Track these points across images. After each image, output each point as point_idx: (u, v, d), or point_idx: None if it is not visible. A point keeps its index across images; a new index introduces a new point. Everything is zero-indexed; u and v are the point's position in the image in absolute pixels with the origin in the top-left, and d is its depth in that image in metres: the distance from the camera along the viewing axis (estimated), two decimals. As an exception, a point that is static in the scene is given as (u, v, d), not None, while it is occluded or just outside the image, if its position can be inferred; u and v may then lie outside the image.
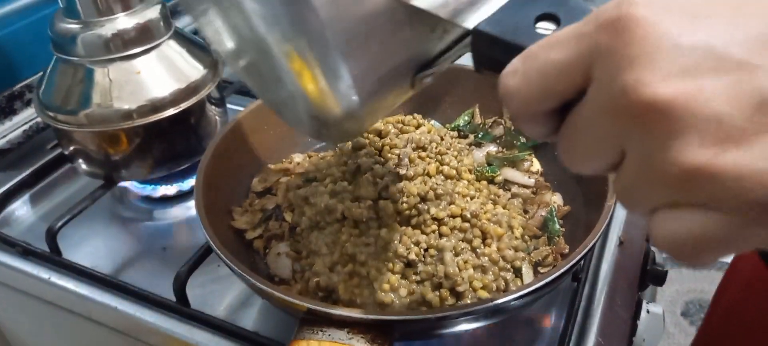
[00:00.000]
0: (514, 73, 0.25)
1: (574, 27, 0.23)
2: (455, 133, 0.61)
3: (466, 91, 0.66)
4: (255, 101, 0.62)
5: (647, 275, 0.61)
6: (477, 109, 0.65)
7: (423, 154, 0.53)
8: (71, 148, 0.63)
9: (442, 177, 0.51)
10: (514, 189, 0.57)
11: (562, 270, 0.42)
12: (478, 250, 0.47)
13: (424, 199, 0.49)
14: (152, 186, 0.67)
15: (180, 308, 0.54)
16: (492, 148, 0.61)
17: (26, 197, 0.70)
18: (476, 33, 0.28)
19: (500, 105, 0.65)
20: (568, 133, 0.24)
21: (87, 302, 0.58)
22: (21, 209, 0.69)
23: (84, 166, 0.64)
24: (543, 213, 0.54)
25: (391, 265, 0.46)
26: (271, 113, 0.61)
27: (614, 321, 0.54)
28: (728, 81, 0.19)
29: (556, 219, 0.53)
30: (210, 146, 0.56)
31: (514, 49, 0.26)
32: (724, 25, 0.20)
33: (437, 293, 0.45)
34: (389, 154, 0.53)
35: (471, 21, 0.29)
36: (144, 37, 0.60)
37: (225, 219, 0.56)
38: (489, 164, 0.59)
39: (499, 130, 0.63)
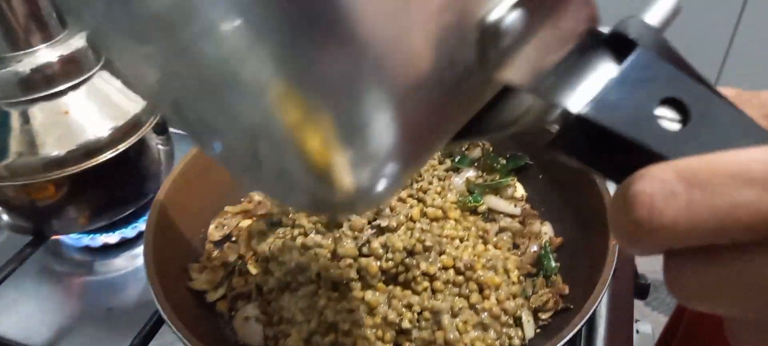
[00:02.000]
0: (673, 197, 0.17)
1: None
2: (436, 163, 0.54)
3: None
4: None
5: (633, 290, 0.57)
6: None
7: (403, 194, 0.47)
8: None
9: (427, 220, 0.45)
10: (501, 221, 0.51)
11: (573, 332, 0.37)
12: (477, 306, 0.41)
13: (411, 253, 0.42)
14: (91, 236, 0.57)
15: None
16: (471, 174, 0.56)
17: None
18: (580, 120, 0.20)
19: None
20: (706, 272, 0.18)
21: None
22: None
23: (7, 220, 0.54)
24: (535, 248, 0.49)
25: (380, 332, 0.40)
26: None
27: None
28: None
29: (550, 256, 0.48)
30: (157, 197, 0.48)
31: (630, 147, 0.19)
32: None
33: (437, 365, 0.39)
34: None
35: (573, 102, 0.20)
36: (70, 70, 0.50)
37: (181, 279, 0.48)
38: (470, 192, 0.53)
39: (476, 153, 0.57)
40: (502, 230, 0.50)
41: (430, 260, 0.42)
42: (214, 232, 0.52)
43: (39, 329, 0.53)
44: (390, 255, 0.42)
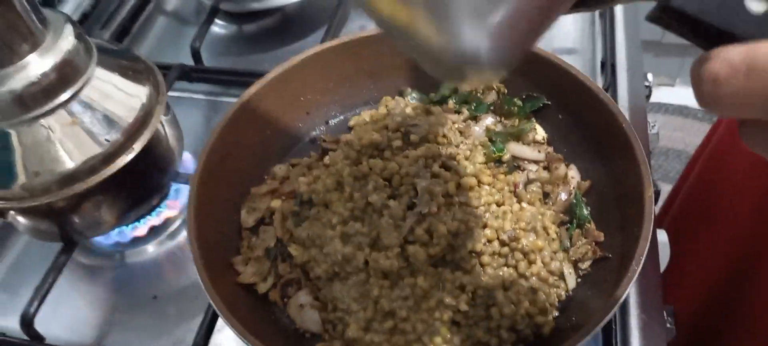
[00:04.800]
0: (734, 78, 0.21)
1: None
2: (454, 116, 0.53)
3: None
4: (215, 124, 0.50)
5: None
6: None
7: (436, 168, 0.46)
8: (16, 221, 0.51)
9: (464, 192, 0.45)
10: (528, 170, 0.51)
11: (625, 293, 0.38)
12: (526, 273, 0.42)
13: (455, 234, 0.42)
14: (119, 229, 0.56)
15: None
16: (489, 120, 0.54)
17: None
18: (668, 9, 0.22)
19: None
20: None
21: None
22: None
23: (33, 229, 0.52)
24: (564, 196, 0.49)
25: (437, 314, 0.41)
26: (235, 127, 0.50)
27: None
28: None
29: (582, 203, 0.48)
30: (190, 200, 0.46)
31: (719, 33, 0.22)
32: None
33: (496, 334, 0.41)
34: (402, 187, 0.45)
35: None
36: (67, 76, 0.46)
37: (229, 273, 0.48)
38: (491, 141, 0.52)
39: (491, 97, 0.55)
40: (530, 181, 0.49)
41: (475, 237, 0.42)
42: (247, 217, 0.51)
43: (86, 329, 0.53)
44: (435, 240, 0.42)
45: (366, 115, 0.55)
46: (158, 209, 0.56)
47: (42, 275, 0.51)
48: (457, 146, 0.48)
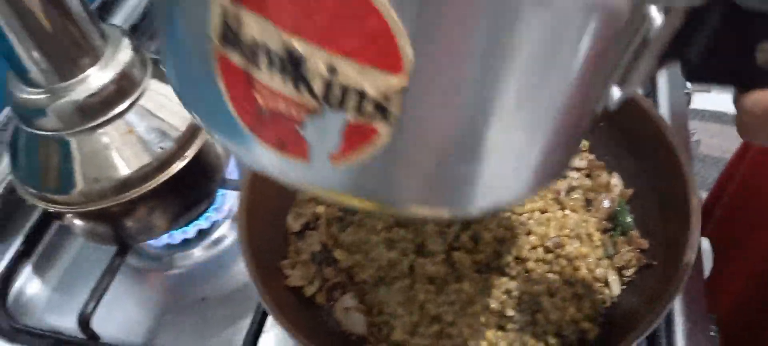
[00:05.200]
0: None
1: None
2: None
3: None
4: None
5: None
6: None
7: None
8: (72, 224, 0.53)
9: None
10: (570, 177, 0.51)
11: (671, 304, 0.39)
12: (571, 280, 0.42)
13: (501, 241, 0.43)
14: (169, 233, 0.58)
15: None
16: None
17: (28, 269, 0.60)
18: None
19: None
20: None
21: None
22: (28, 285, 0.59)
23: (91, 239, 0.55)
24: (607, 203, 0.49)
25: (483, 319, 0.41)
26: None
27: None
28: None
29: (625, 210, 0.48)
30: (240, 205, 0.47)
31: None
32: None
33: (543, 339, 0.41)
34: None
35: None
36: (125, 88, 0.48)
37: (277, 276, 0.49)
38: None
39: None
40: (572, 188, 0.50)
41: (520, 244, 0.43)
42: (293, 223, 0.52)
43: (138, 328, 0.55)
44: (481, 247, 0.42)
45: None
46: (206, 214, 0.58)
47: (96, 276, 0.54)
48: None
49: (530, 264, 0.43)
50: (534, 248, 0.43)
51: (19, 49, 0.44)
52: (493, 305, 0.41)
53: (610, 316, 0.44)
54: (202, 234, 0.59)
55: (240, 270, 0.58)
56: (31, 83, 0.46)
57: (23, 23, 0.43)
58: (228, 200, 0.60)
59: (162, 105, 0.51)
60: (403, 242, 0.44)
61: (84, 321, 0.51)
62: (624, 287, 0.45)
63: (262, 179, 0.50)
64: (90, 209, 0.49)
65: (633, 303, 0.44)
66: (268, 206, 0.51)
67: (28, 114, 0.47)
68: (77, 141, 0.47)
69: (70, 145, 0.48)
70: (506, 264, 0.42)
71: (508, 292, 0.42)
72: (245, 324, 0.51)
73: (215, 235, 0.60)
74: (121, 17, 0.79)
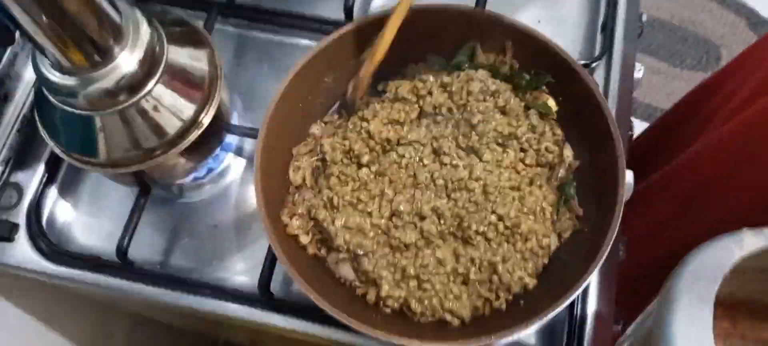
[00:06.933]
0: None
1: None
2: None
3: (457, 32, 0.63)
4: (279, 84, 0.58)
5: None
6: (479, 47, 0.64)
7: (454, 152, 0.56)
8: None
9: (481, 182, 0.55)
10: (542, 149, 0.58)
11: (600, 262, 0.51)
12: (522, 249, 0.55)
13: (461, 218, 0.54)
14: (185, 175, 0.65)
15: (267, 302, 0.60)
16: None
17: (55, 194, 0.68)
18: None
19: (501, 40, 0.63)
20: None
21: (166, 304, 0.62)
22: (57, 209, 0.67)
23: (117, 181, 0.62)
24: (561, 173, 0.59)
25: (452, 278, 0.54)
26: (289, 94, 0.58)
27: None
28: None
29: (572, 182, 0.59)
30: (256, 158, 0.55)
31: None
32: None
33: (495, 292, 0.54)
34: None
35: None
36: (151, 67, 0.53)
37: (278, 226, 0.57)
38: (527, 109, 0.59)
39: (505, 69, 0.63)
40: (539, 165, 0.58)
41: (479, 220, 0.54)
42: (294, 175, 0.61)
43: (160, 248, 0.65)
44: (442, 221, 0.54)
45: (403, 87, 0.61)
46: (215, 155, 0.66)
47: (119, 196, 0.65)
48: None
49: (490, 234, 0.54)
50: (494, 224, 0.55)
51: (50, 47, 0.47)
52: (460, 269, 0.54)
53: (546, 269, 0.57)
54: (212, 170, 0.68)
55: (245, 199, 0.68)
56: (61, 70, 0.50)
57: (50, 22, 0.45)
58: (233, 139, 0.68)
59: (183, 68, 0.56)
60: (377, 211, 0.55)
61: (122, 251, 0.60)
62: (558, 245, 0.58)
63: (274, 132, 0.57)
64: (117, 170, 0.56)
65: (565, 260, 0.57)
66: (277, 158, 0.59)
67: (61, 92, 0.52)
68: (107, 119, 0.53)
69: (99, 122, 0.53)
70: (469, 236, 0.54)
71: (472, 259, 0.54)
72: (254, 248, 0.63)
73: (221, 167, 0.68)
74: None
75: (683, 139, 0.80)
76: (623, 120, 0.70)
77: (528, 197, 0.56)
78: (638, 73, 0.80)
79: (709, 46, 1.86)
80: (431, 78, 0.61)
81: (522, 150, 0.57)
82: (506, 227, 0.54)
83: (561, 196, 0.59)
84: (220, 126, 0.62)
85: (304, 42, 0.74)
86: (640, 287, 0.74)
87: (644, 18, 0.84)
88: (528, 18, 0.72)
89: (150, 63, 0.53)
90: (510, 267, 0.54)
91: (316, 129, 0.63)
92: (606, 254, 0.52)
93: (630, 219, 0.67)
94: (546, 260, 0.57)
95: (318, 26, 0.73)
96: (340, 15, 0.71)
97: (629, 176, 0.69)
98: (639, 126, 1.04)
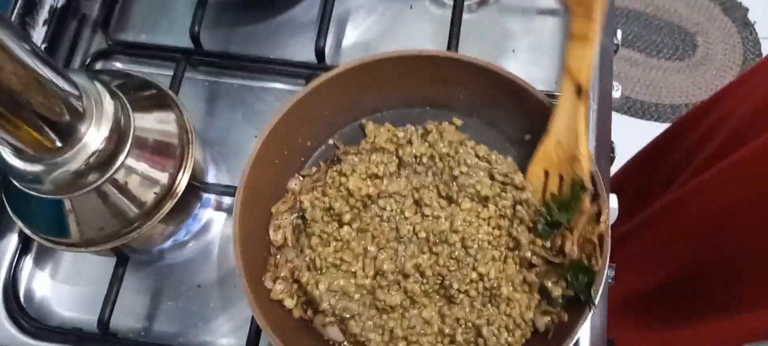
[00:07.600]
0: None
1: None
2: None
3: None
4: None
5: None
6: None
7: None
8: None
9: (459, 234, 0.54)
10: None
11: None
12: (507, 312, 0.54)
13: (443, 277, 0.53)
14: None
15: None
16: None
17: (30, 265, 0.66)
18: None
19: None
20: None
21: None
22: (34, 281, 0.65)
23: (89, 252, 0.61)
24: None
25: (440, 338, 0.54)
26: (265, 152, 0.56)
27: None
28: None
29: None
30: (235, 225, 0.53)
31: None
32: None
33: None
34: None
35: None
36: (119, 140, 0.51)
37: (261, 291, 0.56)
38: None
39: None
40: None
41: (460, 278, 0.53)
42: (274, 235, 0.60)
43: (142, 313, 0.63)
44: (424, 279, 0.53)
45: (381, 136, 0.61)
46: (196, 215, 0.64)
47: (95, 262, 0.62)
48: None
49: (472, 293, 0.54)
50: (475, 282, 0.53)
51: (6, 137, 0.45)
52: (447, 330, 0.53)
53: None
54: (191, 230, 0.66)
55: (228, 254, 0.66)
56: (23, 157, 0.48)
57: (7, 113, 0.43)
58: (211, 199, 0.66)
59: (151, 140, 0.54)
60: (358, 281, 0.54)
61: (104, 327, 0.59)
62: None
63: (251, 194, 0.55)
64: (91, 249, 0.55)
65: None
66: (257, 221, 0.58)
67: (21, 179, 0.50)
68: (77, 200, 0.51)
69: (68, 204, 0.51)
70: (452, 296, 0.53)
71: (457, 320, 0.53)
72: (240, 306, 0.62)
73: (201, 223, 0.67)
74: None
75: (667, 171, 0.81)
76: (604, 146, 0.70)
77: (510, 263, 0.55)
78: (616, 92, 0.80)
79: (685, 34, 1.87)
80: (411, 126, 0.60)
81: (501, 216, 0.57)
82: (485, 288, 0.54)
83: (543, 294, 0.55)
84: (196, 188, 0.61)
85: (278, 86, 0.72)
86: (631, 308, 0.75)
87: (619, 35, 0.84)
88: (503, 48, 0.71)
89: (117, 137, 0.51)
90: (495, 330, 0.53)
91: (294, 184, 0.62)
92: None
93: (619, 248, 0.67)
94: (529, 335, 0.55)
95: (290, 70, 0.71)
96: (311, 57, 0.69)
97: (613, 200, 0.69)
98: (617, 119, 1.04)
